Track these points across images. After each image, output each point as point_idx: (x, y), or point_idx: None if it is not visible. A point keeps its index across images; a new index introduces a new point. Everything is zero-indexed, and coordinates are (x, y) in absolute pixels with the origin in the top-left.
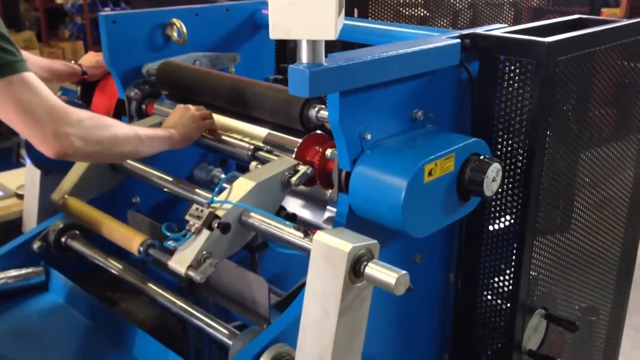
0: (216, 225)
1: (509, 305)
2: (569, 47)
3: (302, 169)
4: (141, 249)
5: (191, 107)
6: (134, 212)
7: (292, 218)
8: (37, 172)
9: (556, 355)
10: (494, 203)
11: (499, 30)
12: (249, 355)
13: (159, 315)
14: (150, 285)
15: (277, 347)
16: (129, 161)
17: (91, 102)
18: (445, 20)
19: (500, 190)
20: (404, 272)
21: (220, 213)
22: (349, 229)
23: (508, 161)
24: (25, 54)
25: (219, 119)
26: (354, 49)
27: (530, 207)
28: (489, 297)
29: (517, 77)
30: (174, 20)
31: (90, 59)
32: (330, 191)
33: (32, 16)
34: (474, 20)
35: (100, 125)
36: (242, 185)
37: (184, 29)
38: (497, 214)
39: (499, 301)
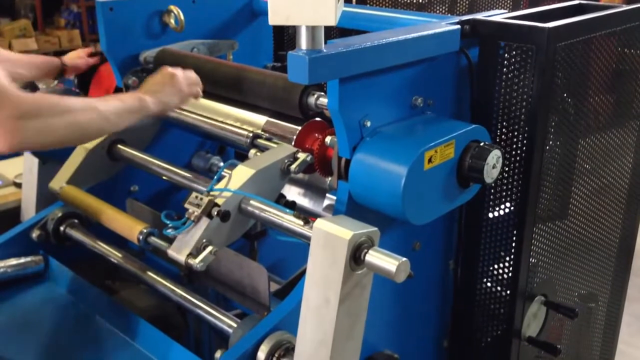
0: (216, 213)
1: (508, 292)
2: (570, 33)
3: (302, 156)
4: (141, 237)
5: (179, 73)
6: (132, 201)
7: (292, 206)
8: (35, 161)
9: (555, 342)
10: (493, 190)
11: (498, 16)
12: (250, 343)
13: (159, 303)
14: (150, 273)
15: (278, 335)
16: (127, 150)
17: (88, 92)
18: (442, 7)
19: (500, 177)
20: (404, 259)
21: (219, 201)
22: (349, 217)
23: (508, 148)
24: (3, 52)
25: (218, 106)
26: (352, 35)
27: (530, 193)
28: (489, 284)
29: (517, 63)
30: (172, 7)
31: (73, 56)
32: (329, 179)
33: (28, 4)
34: (472, 6)
35: (55, 112)
36: (242, 173)
37: (182, 16)
38: (497, 201)
39: (499, 288)
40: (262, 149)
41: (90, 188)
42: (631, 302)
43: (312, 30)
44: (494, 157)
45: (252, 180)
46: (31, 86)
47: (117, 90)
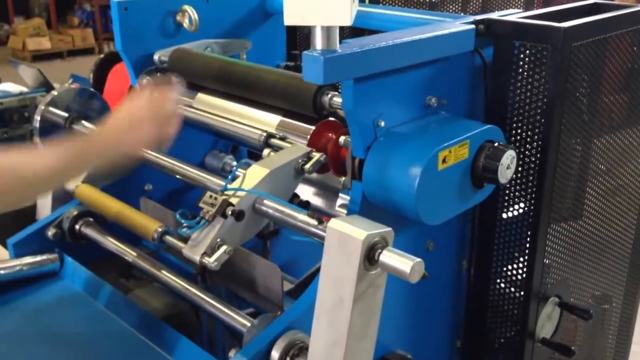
0: (230, 212)
1: (522, 293)
2: (585, 33)
3: (316, 156)
4: (156, 236)
5: (148, 111)
6: (146, 200)
7: (306, 205)
8: None
9: (569, 343)
10: (507, 190)
11: (513, 15)
12: (264, 342)
13: (173, 302)
14: (164, 272)
15: (291, 334)
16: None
17: (104, 89)
18: (455, 6)
19: (514, 177)
20: (418, 260)
21: (234, 200)
22: (363, 217)
23: (522, 148)
24: None
25: (231, 105)
26: (365, 35)
27: (544, 194)
28: (502, 284)
29: (532, 63)
30: (186, 6)
31: None
32: (343, 178)
33: (42, 3)
34: (485, 5)
35: None
36: (256, 173)
37: (195, 16)
38: (511, 202)
39: (512, 289)
40: (276, 149)
41: (105, 187)
42: None
43: (327, 30)
44: (509, 157)
45: (266, 180)
46: (46, 85)
47: (132, 89)
